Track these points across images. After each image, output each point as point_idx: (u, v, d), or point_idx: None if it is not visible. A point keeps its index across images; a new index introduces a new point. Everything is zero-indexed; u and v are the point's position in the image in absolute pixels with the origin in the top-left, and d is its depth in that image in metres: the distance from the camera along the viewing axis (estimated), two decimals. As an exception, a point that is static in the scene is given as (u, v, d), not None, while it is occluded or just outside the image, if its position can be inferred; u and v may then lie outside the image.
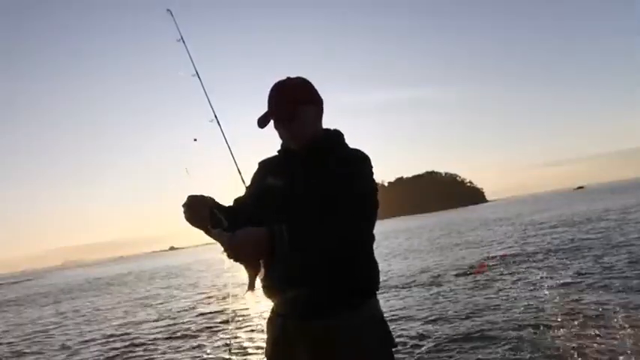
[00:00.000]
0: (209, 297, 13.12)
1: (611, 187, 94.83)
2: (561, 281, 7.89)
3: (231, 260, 1.52)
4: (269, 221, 1.54)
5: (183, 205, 1.65)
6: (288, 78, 1.80)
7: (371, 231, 1.71)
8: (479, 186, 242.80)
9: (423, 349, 5.36)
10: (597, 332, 5.02)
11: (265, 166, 1.90)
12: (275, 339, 1.77)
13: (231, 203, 1.87)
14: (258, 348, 6.39)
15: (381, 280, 1.80)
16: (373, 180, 1.74)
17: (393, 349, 1.74)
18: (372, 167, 1.76)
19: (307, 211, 1.62)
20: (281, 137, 1.82)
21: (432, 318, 6.71)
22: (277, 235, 1.48)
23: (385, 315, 1.81)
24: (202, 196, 1.67)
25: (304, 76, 1.82)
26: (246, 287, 1.60)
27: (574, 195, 76.68)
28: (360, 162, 1.74)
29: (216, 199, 1.76)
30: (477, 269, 10.21)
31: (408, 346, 5.46)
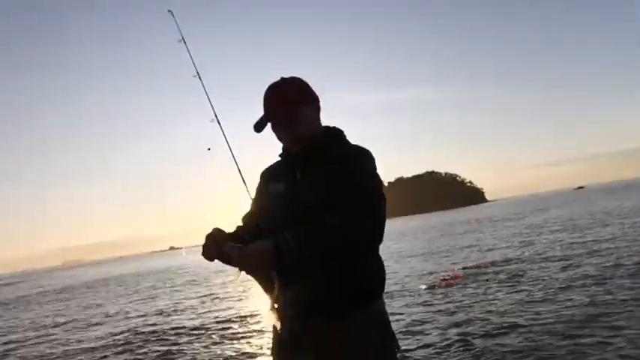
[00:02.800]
0: (211, 297, 13.13)
1: (611, 187, 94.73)
2: (519, 295, 7.55)
3: (244, 274, 1.55)
4: (275, 231, 1.55)
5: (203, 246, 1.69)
6: (283, 79, 1.78)
7: (377, 229, 1.63)
8: (479, 186, 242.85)
9: None
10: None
11: (266, 174, 1.90)
12: (280, 339, 1.76)
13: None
14: (263, 348, 6.40)
15: None
16: (376, 175, 1.71)
17: (397, 351, 1.73)
18: (374, 162, 1.73)
19: (309, 212, 1.61)
20: (280, 140, 1.80)
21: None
22: (282, 246, 1.49)
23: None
24: (214, 237, 1.67)
25: (305, 76, 1.81)
26: (268, 307, 1.64)
27: (574, 195, 76.64)
28: (361, 157, 1.71)
29: (229, 224, 1.79)
30: (446, 281, 9.77)
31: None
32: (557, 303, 6.59)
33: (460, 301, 7.70)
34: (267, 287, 1.62)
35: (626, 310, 5.65)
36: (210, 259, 1.66)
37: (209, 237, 1.68)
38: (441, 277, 10.19)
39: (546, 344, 4.92)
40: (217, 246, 1.63)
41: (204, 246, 1.67)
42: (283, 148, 1.84)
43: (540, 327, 5.52)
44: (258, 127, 1.75)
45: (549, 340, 5.04)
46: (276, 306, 1.61)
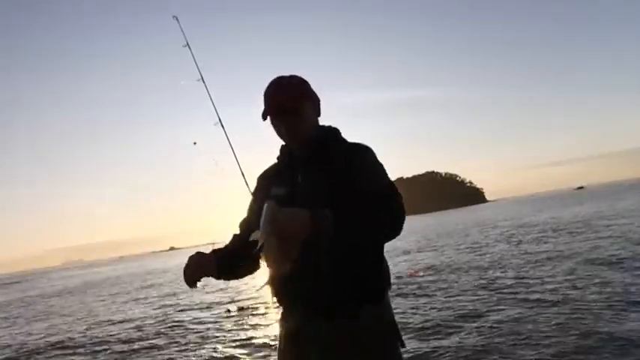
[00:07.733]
0: (217, 296, 13.12)
1: (611, 187, 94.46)
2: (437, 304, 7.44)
3: (266, 259, 1.42)
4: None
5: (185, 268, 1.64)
6: (285, 75, 1.76)
7: (396, 221, 1.54)
8: (479, 186, 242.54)
9: None
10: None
11: (265, 178, 1.88)
12: (286, 337, 1.76)
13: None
14: (271, 346, 6.41)
15: None
16: (378, 169, 1.66)
17: (402, 349, 1.72)
18: (375, 156, 1.69)
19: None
20: (279, 134, 1.76)
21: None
22: (324, 218, 1.43)
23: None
24: (198, 260, 1.64)
25: (306, 77, 1.79)
26: (267, 281, 1.46)
27: (574, 195, 76.41)
28: (362, 154, 1.69)
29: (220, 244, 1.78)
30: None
31: None
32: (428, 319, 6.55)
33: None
34: (279, 270, 1.46)
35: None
36: (193, 284, 1.62)
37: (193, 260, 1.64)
38: None
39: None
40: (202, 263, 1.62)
41: (186, 271, 1.63)
42: (281, 150, 1.83)
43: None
44: (264, 115, 1.71)
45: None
46: (276, 295, 1.49)
